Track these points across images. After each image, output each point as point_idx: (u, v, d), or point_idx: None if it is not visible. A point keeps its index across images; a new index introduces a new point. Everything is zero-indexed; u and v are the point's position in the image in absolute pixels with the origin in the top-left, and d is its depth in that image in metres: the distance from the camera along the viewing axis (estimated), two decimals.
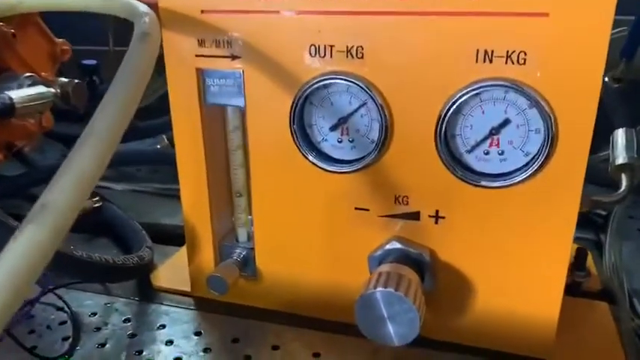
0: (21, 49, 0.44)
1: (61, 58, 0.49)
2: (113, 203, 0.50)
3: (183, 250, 0.44)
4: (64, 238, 0.18)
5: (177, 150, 0.35)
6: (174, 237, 0.47)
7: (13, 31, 0.43)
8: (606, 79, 0.55)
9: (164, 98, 0.36)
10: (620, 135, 0.42)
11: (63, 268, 0.32)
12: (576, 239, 0.44)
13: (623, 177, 0.40)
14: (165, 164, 0.56)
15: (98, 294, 0.39)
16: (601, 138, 0.40)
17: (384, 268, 0.30)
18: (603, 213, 0.49)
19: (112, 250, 0.47)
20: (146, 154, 0.57)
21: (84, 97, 0.42)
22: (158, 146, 0.59)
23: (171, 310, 0.38)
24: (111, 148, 0.20)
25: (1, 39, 0.42)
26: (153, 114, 0.62)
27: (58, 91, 0.41)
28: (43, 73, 0.47)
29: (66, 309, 0.37)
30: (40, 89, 0.40)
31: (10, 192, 0.45)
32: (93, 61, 0.68)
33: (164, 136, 0.58)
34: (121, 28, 0.32)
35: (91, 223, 0.49)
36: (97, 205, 0.49)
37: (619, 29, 0.51)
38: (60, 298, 0.37)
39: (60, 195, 0.18)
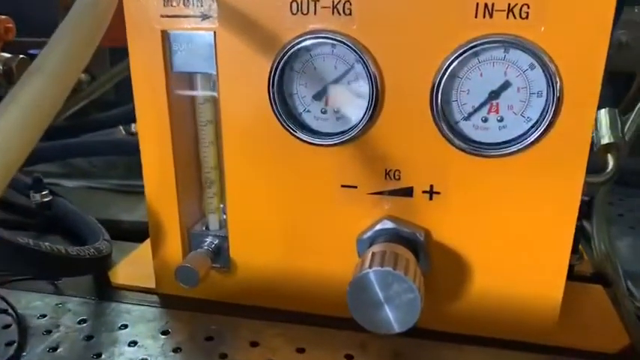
0: None
1: (5, 37, 0.44)
2: (64, 197, 0.45)
3: (145, 245, 0.40)
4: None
5: (139, 126, 0.31)
6: (133, 233, 0.42)
7: None
8: None
9: (121, 87, 0.32)
10: (603, 115, 0.41)
11: (6, 260, 0.28)
12: None
13: (609, 157, 0.38)
14: (122, 154, 0.52)
15: (48, 294, 0.35)
16: None
17: (378, 247, 0.27)
18: (585, 199, 0.47)
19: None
20: (100, 144, 0.52)
21: (23, 69, 0.37)
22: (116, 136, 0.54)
23: (134, 308, 0.34)
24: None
25: None
26: (111, 106, 0.58)
27: (1, 67, 0.36)
28: None
29: (10, 311, 0.32)
30: None
31: None
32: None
33: (121, 127, 0.54)
34: None
35: (40, 218, 0.44)
36: (45, 199, 0.44)
37: None
38: (2, 298, 0.32)
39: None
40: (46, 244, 0.31)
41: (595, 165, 0.38)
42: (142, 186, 0.34)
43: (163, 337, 0.31)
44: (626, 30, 0.46)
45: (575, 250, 0.36)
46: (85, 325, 0.32)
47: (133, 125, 0.54)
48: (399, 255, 0.26)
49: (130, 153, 0.47)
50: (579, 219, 0.46)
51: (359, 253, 0.29)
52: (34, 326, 0.31)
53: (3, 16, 0.44)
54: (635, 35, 0.47)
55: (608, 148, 0.39)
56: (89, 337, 0.31)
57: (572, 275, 0.36)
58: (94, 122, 0.56)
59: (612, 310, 0.33)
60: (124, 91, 0.32)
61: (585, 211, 0.46)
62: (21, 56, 0.38)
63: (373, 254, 0.26)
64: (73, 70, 0.18)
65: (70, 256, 0.31)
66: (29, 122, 0.17)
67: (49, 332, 0.31)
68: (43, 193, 0.44)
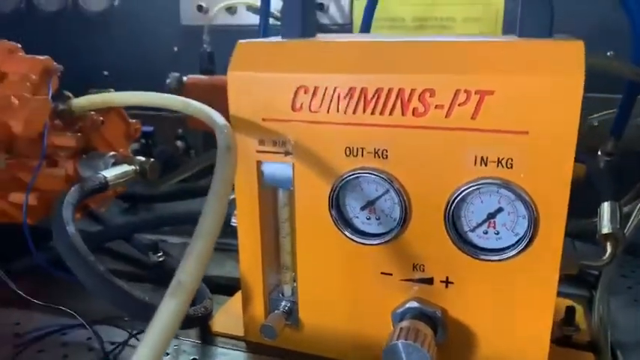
0: (105, 131, 0.54)
1: (134, 136, 0.59)
2: (173, 257, 0.59)
3: (234, 298, 0.53)
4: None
5: (239, 221, 0.44)
6: (222, 287, 0.55)
7: (102, 118, 0.53)
8: (599, 152, 0.63)
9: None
10: (605, 208, 0.49)
11: (139, 316, 0.41)
12: (571, 295, 0.52)
13: (608, 245, 0.47)
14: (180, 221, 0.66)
15: None
16: (593, 206, 0.49)
17: (405, 323, 0.38)
18: (595, 272, 0.55)
19: None
20: (163, 219, 0.67)
21: (157, 173, 0.51)
22: None
23: (229, 352, 0.46)
24: (214, 238, 0.29)
25: (92, 125, 0.52)
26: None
27: (138, 168, 0.50)
28: (120, 150, 0.57)
29: None
30: (125, 168, 0.49)
31: (91, 247, 0.54)
32: (150, 128, 0.78)
33: None
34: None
35: (156, 274, 0.58)
36: (160, 259, 0.58)
37: (612, 110, 0.59)
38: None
39: (188, 275, 0.27)
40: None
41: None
42: (229, 244, 0.46)
43: None
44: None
45: (570, 323, 0.45)
46: None
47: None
48: (420, 330, 0.36)
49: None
50: (589, 290, 0.54)
51: (393, 323, 0.40)
52: None
53: (133, 120, 0.59)
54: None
55: (607, 237, 0.47)
56: None
57: (569, 343, 0.45)
58: (198, 189, 0.70)
59: None
60: None
61: (594, 284, 0.55)
62: (152, 160, 0.52)
63: (401, 329, 0.37)
64: (221, 223, 0.30)
65: (189, 315, 0.44)
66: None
67: None
68: (159, 254, 0.58)
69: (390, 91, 0.36)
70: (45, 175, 0.50)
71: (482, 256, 0.37)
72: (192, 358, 0.45)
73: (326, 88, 0.38)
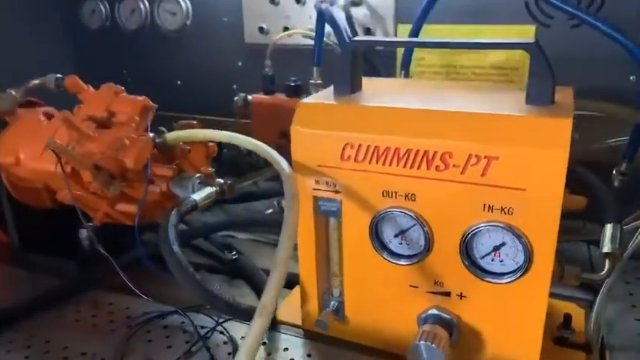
0: (191, 156, 0.67)
1: (212, 155, 0.71)
2: (244, 255, 0.72)
3: (293, 292, 0.65)
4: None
5: (299, 240, 0.56)
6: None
7: (189, 147, 0.66)
8: (614, 172, 0.71)
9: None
10: (608, 229, 0.58)
11: (233, 315, 0.54)
12: (577, 299, 0.61)
13: (607, 262, 0.56)
14: (274, 227, 0.78)
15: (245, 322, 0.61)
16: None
17: (427, 327, 0.49)
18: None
19: (245, 288, 0.69)
20: (261, 220, 0.80)
21: (234, 192, 0.64)
22: (270, 210, 0.80)
23: (290, 337, 0.59)
24: (286, 268, 0.41)
25: (181, 153, 0.65)
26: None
27: (218, 189, 0.62)
28: (202, 169, 0.70)
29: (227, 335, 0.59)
30: (208, 190, 0.62)
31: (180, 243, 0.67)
32: None
33: (275, 202, 0.80)
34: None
35: (231, 268, 0.72)
36: (234, 257, 0.71)
37: (624, 137, 0.67)
38: (225, 330, 0.59)
39: (269, 300, 0.39)
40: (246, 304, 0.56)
41: None
42: None
43: (309, 358, 0.56)
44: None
45: (567, 327, 0.55)
46: (265, 345, 0.58)
47: (282, 201, 0.79)
48: (438, 334, 0.48)
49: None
50: (595, 295, 0.64)
51: (418, 325, 0.52)
52: (238, 343, 0.58)
53: (211, 143, 0.71)
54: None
55: (607, 255, 0.56)
56: (269, 354, 0.56)
57: (567, 344, 0.55)
58: (258, 193, 0.83)
59: None
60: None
61: (598, 289, 0.63)
62: (229, 182, 0.64)
63: (423, 332, 0.48)
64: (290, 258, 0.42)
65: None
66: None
67: None
68: (233, 253, 0.71)
69: (417, 151, 0.47)
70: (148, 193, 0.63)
71: (489, 279, 0.48)
72: (262, 341, 0.58)
73: (368, 146, 0.49)
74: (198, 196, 0.60)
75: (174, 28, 1.02)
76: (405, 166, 0.48)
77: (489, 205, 0.46)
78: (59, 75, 0.67)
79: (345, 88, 0.54)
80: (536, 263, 0.46)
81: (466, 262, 0.48)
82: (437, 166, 0.46)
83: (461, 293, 0.50)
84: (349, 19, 0.86)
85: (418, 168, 0.47)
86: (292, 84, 0.83)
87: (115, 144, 0.58)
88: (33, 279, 0.74)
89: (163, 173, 0.60)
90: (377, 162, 0.49)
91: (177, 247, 0.53)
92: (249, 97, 0.86)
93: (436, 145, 0.46)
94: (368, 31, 0.86)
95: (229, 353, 0.56)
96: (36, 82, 0.69)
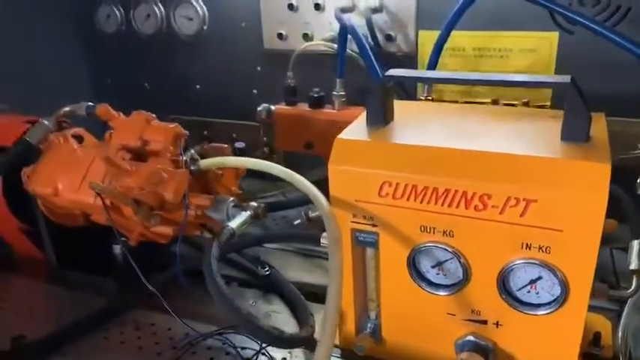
0: (223, 179, 0.68)
1: (241, 175, 0.72)
2: (276, 270, 0.75)
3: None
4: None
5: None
6: (314, 295, 0.70)
7: (221, 172, 0.67)
8: (638, 180, 0.72)
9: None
10: (635, 245, 0.60)
11: (256, 335, 0.57)
12: (604, 310, 0.63)
13: (634, 278, 0.58)
14: (310, 242, 0.80)
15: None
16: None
17: (464, 356, 0.51)
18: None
19: (279, 304, 0.72)
20: (288, 235, 0.82)
21: (267, 215, 0.65)
22: (298, 221, 0.82)
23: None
24: (339, 305, 0.44)
25: (215, 178, 0.67)
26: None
27: (252, 213, 0.64)
28: (232, 188, 0.71)
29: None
30: (244, 216, 0.63)
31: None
32: (242, 144, 0.91)
33: (303, 213, 0.81)
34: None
35: (263, 283, 0.74)
36: (267, 272, 0.73)
37: None
38: (267, 352, 0.62)
39: (327, 333, 0.42)
40: (281, 330, 0.58)
41: None
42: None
43: None
44: None
45: (596, 345, 0.57)
46: None
47: (309, 211, 0.81)
48: None
49: (309, 241, 0.75)
50: (621, 306, 0.66)
51: (455, 350, 0.54)
52: None
53: (240, 169, 0.72)
54: None
55: (634, 272, 0.58)
56: None
57: (596, 358, 0.58)
58: (285, 203, 0.85)
59: None
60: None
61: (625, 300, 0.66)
62: (262, 205, 0.66)
63: None
64: (341, 299, 0.44)
65: (301, 336, 0.59)
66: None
67: None
68: (265, 269, 0.73)
69: (456, 191, 0.48)
70: (180, 214, 0.65)
71: (526, 310, 0.50)
72: None
73: (405, 185, 0.50)
74: (234, 223, 0.62)
75: (191, 33, 1.01)
76: (443, 204, 0.49)
77: (527, 244, 0.47)
78: (90, 103, 0.68)
79: (378, 119, 0.55)
80: (572, 296, 0.47)
81: (503, 295, 0.50)
82: (475, 206, 0.48)
83: (497, 322, 0.52)
84: (369, 25, 0.85)
85: (457, 207, 0.49)
86: (315, 95, 0.83)
87: (154, 178, 0.59)
88: (72, 296, 0.77)
89: (201, 203, 0.62)
90: (415, 200, 0.50)
91: (221, 280, 0.55)
92: (273, 108, 0.86)
93: (475, 187, 0.47)
94: (389, 38, 0.85)
95: None
96: (67, 109, 0.69)
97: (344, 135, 0.54)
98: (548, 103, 0.78)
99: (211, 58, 1.02)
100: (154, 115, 0.67)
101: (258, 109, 0.86)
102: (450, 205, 0.49)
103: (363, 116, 0.57)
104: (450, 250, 0.50)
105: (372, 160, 0.52)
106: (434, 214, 0.50)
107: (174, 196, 0.59)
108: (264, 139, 0.97)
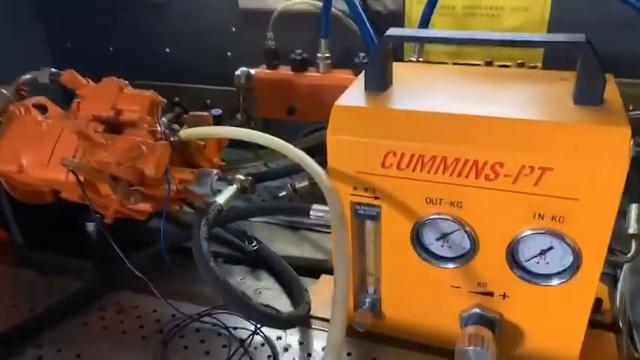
0: (205, 150, 0.64)
1: (223, 145, 0.68)
2: (263, 244, 0.71)
3: (319, 282, 0.65)
4: None
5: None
6: (305, 269, 0.67)
7: (203, 143, 0.62)
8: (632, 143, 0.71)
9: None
10: (634, 209, 0.59)
11: (252, 316, 0.54)
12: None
13: (633, 243, 0.57)
14: (290, 214, 0.76)
15: None
16: None
17: (471, 330, 0.50)
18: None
19: (268, 279, 0.69)
20: (278, 208, 0.78)
21: (254, 188, 0.61)
22: (284, 192, 0.78)
23: (323, 334, 0.59)
24: (344, 319, 0.41)
25: (197, 149, 0.62)
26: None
27: (239, 186, 0.60)
28: (215, 160, 0.66)
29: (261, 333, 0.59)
30: (230, 190, 0.58)
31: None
32: (219, 111, 0.86)
33: (289, 185, 0.77)
34: None
35: (251, 258, 0.71)
36: (254, 247, 0.70)
37: None
38: (261, 332, 0.59)
39: (333, 339, 0.38)
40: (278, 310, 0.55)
41: None
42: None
43: (347, 357, 0.56)
44: None
45: (597, 311, 0.57)
46: (303, 345, 0.58)
47: (296, 183, 0.77)
48: (483, 337, 0.48)
49: (298, 214, 0.71)
50: (614, 270, 0.65)
51: (460, 323, 0.52)
52: (278, 345, 0.58)
53: (222, 139, 0.67)
54: None
55: (633, 236, 0.57)
56: (309, 354, 0.57)
57: (596, 324, 0.57)
58: (271, 173, 0.81)
59: (615, 355, 0.54)
60: None
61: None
62: (250, 178, 0.61)
63: (469, 336, 0.49)
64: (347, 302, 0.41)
65: (296, 315, 0.56)
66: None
67: (286, 350, 0.57)
68: (253, 243, 0.69)
69: (466, 161, 0.45)
70: (160, 189, 0.60)
71: (535, 281, 0.48)
72: (300, 340, 0.58)
73: (412, 155, 0.47)
74: (222, 199, 0.57)
75: None
76: (451, 174, 0.46)
77: (539, 214, 0.45)
78: (54, 69, 0.61)
79: (377, 84, 0.51)
80: (584, 266, 0.46)
81: (511, 266, 0.48)
82: (487, 175, 0.45)
83: (504, 293, 0.50)
84: None
85: (466, 177, 0.46)
86: (298, 57, 0.78)
87: (132, 152, 0.54)
88: (43, 280, 0.71)
89: (184, 177, 0.57)
90: (421, 170, 0.47)
91: (213, 262, 0.51)
92: (252, 72, 0.81)
93: (487, 155, 0.44)
94: None
95: (269, 356, 0.57)
96: (28, 76, 0.63)
97: (342, 101, 0.50)
98: (540, 64, 0.76)
99: (182, 18, 0.95)
100: (126, 82, 0.61)
101: (236, 73, 0.81)
102: (459, 175, 0.46)
103: (359, 81, 0.53)
104: (457, 221, 0.48)
105: (375, 128, 0.48)
106: (441, 184, 0.47)
107: (156, 170, 0.54)
108: (242, 105, 0.91)
